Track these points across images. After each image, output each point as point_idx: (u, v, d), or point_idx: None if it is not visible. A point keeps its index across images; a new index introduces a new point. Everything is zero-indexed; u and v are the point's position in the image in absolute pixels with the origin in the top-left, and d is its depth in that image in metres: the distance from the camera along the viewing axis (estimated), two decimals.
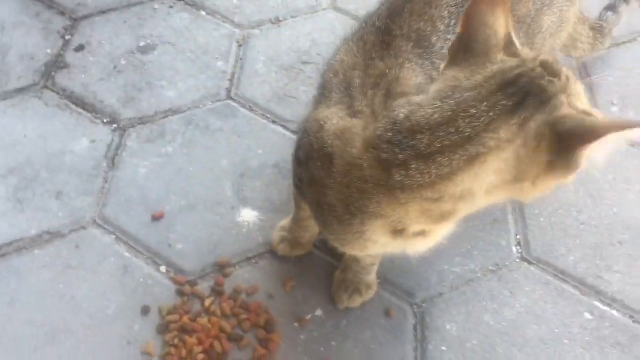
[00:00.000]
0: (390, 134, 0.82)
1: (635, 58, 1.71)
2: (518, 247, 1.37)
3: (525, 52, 0.85)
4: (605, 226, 1.40)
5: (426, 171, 0.80)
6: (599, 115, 0.80)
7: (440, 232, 0.94)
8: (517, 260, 1.35)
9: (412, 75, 0.99)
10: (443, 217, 0.86)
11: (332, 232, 0.99)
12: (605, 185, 1.46)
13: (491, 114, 0.77)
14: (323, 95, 1.06)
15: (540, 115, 0.78)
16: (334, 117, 0.96)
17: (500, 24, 0.82)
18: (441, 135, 0.78)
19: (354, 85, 1.00)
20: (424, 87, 0.96)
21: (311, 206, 1.04)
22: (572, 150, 0.77)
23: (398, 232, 0.90)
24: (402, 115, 0.82)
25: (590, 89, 1.63)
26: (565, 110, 0.78)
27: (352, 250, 1.03)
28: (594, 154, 0.78)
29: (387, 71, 0.99)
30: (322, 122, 0.96)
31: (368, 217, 0.89)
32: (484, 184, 0.81)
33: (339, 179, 0.90)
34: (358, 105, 0.96)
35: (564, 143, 0.77)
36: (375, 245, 0.95)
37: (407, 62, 1.00)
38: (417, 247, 0.97)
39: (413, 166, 0.80)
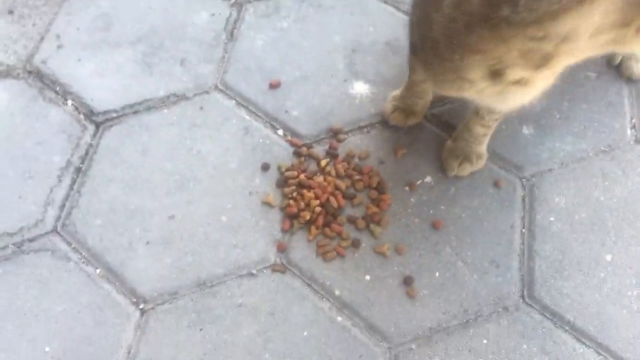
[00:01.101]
0: None
1: None
2: (632, 130, 1.35)
3: None
4: None
5: (535, 7, 0.79)
6: None
7: (540, 84, 0.94)
8: (631, 143, 1.34)
9: None
10: (544, 61, 0.86)
11: (433, 71, 1.01)
12: None
13: None
14: None
15: None
16: None
17: None
18: None
19: None
20: None
21: (416, 45, 1.05)
22: None
23: (496, 73, 0.91)
24: None
25: None
26: None
27: (450, 91, 1.04)
28: None
29: None
30: None
31: (468, 52, 0.90)
32: (590, 25, 0.80)
33: (447, 12, 0.90)
34: None
35: None
36: (473, 86, 0.96)
37: None
38: (515, 97, 0.97)
39: (522, 2, 0.79)
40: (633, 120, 1.36)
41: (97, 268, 1.21)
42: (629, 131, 1.35)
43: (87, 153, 1.35)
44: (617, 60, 1.43)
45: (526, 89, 0.95)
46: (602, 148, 1.33)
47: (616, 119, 1.37)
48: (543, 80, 0.93)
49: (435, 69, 1.02)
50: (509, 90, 0.95)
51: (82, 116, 1.40)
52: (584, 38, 0.82)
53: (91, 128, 1.39)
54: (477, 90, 0.98)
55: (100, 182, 1.31)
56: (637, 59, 1.41)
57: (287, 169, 1.30)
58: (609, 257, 1.19)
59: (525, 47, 0.84)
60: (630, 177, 1.29)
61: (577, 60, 0.90)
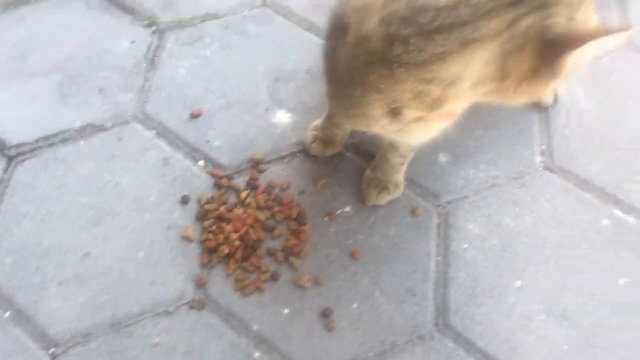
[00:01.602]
0: (402, 10, 0.88)
1: None
2: (542, 157, 1.41)
3: None
4: (629, 139, 1.43)
5: (423, 48, 0.87)
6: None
7: (438, 124, 1.02)
8: (540, 169, 1.39)
9: None
10: (435, 103, 0.93)
11: (338, 104, 1.05)
12: (631, 100, 1.48)
13: (489, 5, 0.85)
14: None
15: (533, 17, 0.83)
16: None
17: None
18: (443, 15, 0.85)
19: None
20: None
21: (324, 76, 1.11)
22: (556, 57, 0.83)
23: (395, 112, 0.97)
24: None
25: (624, 8, 1.63)
26: (557, 19, 0.83)
27: (357, 125, 1.11)
28: (577, 61, 0.84)
29: None
30: None
31: (368, 90, 0.96)
32: (472, 73, 0.88)
33: (350, 50, 0.96)
34: None
35: (548, 50, 0.83)
36: (376, 122, 1.02)
37: None
38: (418, 134, 1.05)
39: (412, 41, 0.87)
40: (542, 147, 1.42)
41: (6, 311, 1.17)
42: (537, 158, 1.41)
43: None
44: None
45: (426, 127, 0.99)
46: (513, 175, 1.38)
47: (526, 147, 1.42)
48: (440, 121, 0.98)
49: (341, 103, 1.05)
50: (409, 129, 1.00)
51: None
52: (467, 84, 0.88)
53: (3, 162, 1.35)
54: (380, 126, 1.02)
55: (11, 219, 1.27)
56: None
57: (207, 202, 1.30)
58: (518, 283, 1.24)
59: (416, 88, 0.90)
60: (539, 203, 1.34)
61: (471, 102, 0.95)
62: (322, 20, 1.60)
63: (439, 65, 0.88)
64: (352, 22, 0.96)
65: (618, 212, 1.33)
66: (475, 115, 1.42)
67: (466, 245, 1.29)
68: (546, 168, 1.39)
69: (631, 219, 1.32)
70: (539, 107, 1.47)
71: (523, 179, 1.38)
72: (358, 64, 0.95)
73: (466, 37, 0.86)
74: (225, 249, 1.23)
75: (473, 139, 1.43)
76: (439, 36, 0.86)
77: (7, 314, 1.17)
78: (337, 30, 1.01)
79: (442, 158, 1.40)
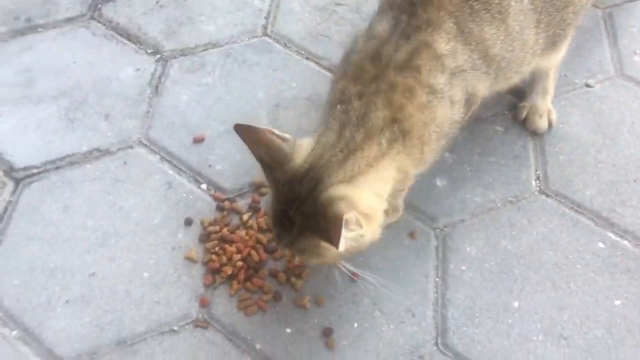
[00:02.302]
0: None
1: None
2: (537, 181, 1.45)
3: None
4: (621, 165, 1.47)
5: None
6: None
7: None
8: (536, 193, 1.43)
9: None
10: None
11: None
12: (623, 127, 1.52)
13: None
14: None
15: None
16: None
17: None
18: None
19: None
20: None
21: None
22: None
23: None
24: None
25: (615, 39, 1.68)
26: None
27: None
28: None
29: None
30: None
31: None
32: None
33: None
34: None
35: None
36: None
37: None
38: None
39: None
40: (537, 172, 1.46)
41: (13, 330, 1.19)
42: (533, 182, 1.44)
43: (5, 210, 1.34)
44: (523, 115, 1.54)
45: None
46: (510, 199, 1.42)
47: (522, 171, 1.46)
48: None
49: None
50: None
51: (1, 173, 1.39)
52: None
53: (10, 185, 1.38)
54: None
55: (18, 241, 1.29)
56: (541, 114, 1.52)
57: (210, 224, 1.33)
58: (516, 304, 1.26)
59: None
60: (535, 226, 1.37)
61: None
62: (321, 50, 1.66)
63: None
64: None
65: (612, 236, 1.36)
66: (472, 142, 1.47)
67: (464, 267, 1.32)
68: (541, 192, 1.43)
69: (626, 242, 1.35)
70: (534, 133, 1.51)
71: (519, 202, 1.41)
72: None
73: None
74: (229, 270, 1.25)
75: (469, 164, 1.46)
76: None
77: (14, 332, 1.19)
78: None
79: (439, 182, 1.43)
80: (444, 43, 1.10)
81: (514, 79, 1.32)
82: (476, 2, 1.14)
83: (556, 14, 1.27)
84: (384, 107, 1.05)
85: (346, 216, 0.95)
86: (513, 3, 1.18)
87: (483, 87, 1.21)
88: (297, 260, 1.28)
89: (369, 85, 1.07)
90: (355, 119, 1.05)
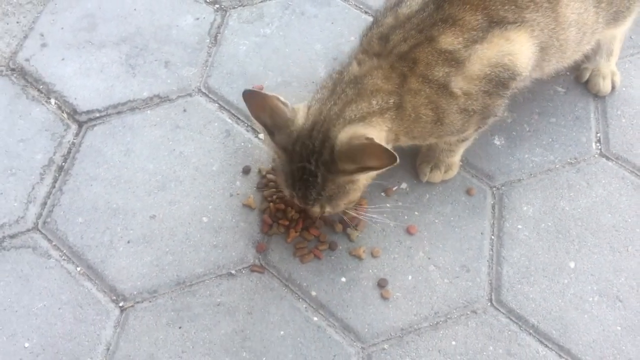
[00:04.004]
0: None
1: None
2: (597, 144, 1.42)
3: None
4: None
5: None
6: None
7: None
8: (596, 156, 1.40)
9: None
10: None
11: None
12: None
13: None
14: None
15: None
16: None
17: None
18: None
19: None
20: None
21: None
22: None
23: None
24: None
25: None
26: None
27: None
28: None
29: None
30: None
31: None
32: None
33: None
34: None
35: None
36: None
37: None
38: None
39: None
40: (598, 135, 1.43)
41: (77, 266, 1.23)
42: (594, 145, 1.42)
43: (69, 152, 1.37)
44: (586, 77, 1.50)
45: None
46: (569, 160, 1.39)
47: (582, 133, 1.43)
48: None
49: None
50: None
51: (65, 115, 1.42)
52: None
53: (74, 127, 1.41)
54: None
55: (82, 181, 1.33)
56: (604, 76, 1.48)
57: (268, 172, 1.34)
58: (572, 265, 1.25)
59: None
60: (594, 188, 1.35)
61: None
62: (380, 4, 1.63)
63: None
64: None
65: None
66: (531, 102, 1.44)
67: (520, 226, 1.31)
68: (602, 155, 1.40)
69: None
70: (596, 95, 1.48)
71: (578, 164, 1.39)
72: None
73: None
74: (285, 220, 1.26)
75: (529, 124, 1.44)
76: None
77: (79, 268, 1.23)
78: None
79: (497, 141, 1.42)
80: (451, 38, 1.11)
81: (576, 56, 1.31)
82: None
83: None
84: (380, 79, 1.11)
85: (369, 135, 1.05)
86: None
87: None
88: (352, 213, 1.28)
89: (371, 59, 1.14)
90: (349, 80, 1.12)
